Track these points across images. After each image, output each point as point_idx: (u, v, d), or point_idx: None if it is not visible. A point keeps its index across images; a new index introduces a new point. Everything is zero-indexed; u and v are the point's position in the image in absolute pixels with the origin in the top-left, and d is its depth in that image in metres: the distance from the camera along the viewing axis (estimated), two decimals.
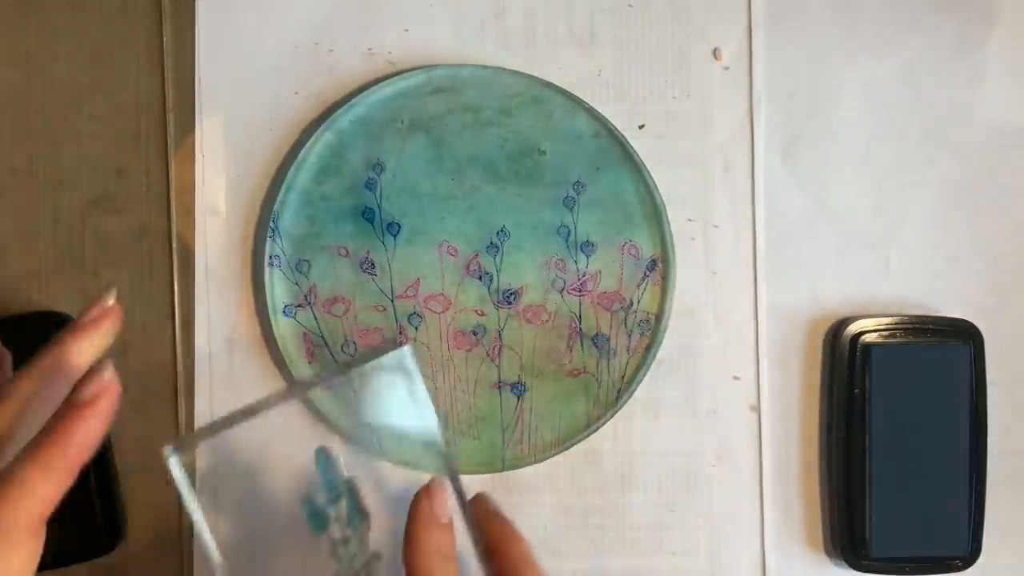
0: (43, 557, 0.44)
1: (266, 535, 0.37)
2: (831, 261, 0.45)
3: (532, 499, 0.45)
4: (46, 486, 0.28)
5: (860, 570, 0.43)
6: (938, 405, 0.43)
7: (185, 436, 0.38)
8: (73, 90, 0.45)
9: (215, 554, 0.33)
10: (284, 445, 0.36)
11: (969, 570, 0.43)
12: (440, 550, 0.32)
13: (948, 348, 0.43)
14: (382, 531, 0.34)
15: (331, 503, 0.35)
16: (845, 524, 0.43)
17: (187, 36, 0.45)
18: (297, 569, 0.35)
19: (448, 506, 0.33)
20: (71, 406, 0.29)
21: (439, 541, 0.32)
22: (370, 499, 0.35)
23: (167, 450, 0.32)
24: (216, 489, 0.40)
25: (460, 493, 0.34)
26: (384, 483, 0.39)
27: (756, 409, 0.45)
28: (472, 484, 0.37)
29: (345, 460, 0.36)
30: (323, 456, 0.36)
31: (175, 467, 0.32)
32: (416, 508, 0.32)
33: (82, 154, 0.45)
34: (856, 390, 0.43)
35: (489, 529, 0.33)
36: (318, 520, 0.35)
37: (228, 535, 0.34)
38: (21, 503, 0.28)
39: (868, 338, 0.43)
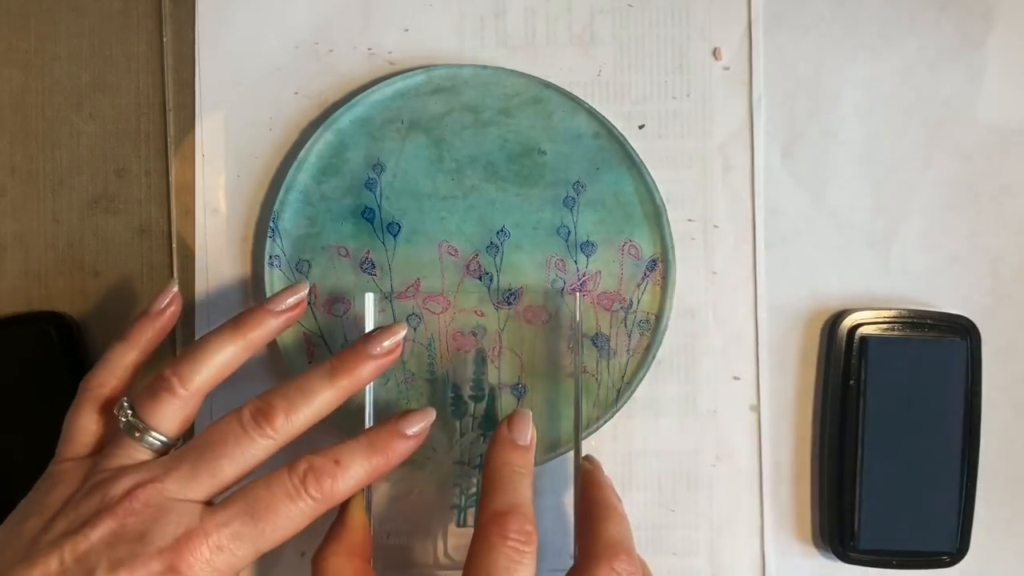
0: None
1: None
2: (831, 261, 0.45)
3: (532, 500, 0.45)
4: (361, 480, 0.35)
5: (848, 562, 0.43)
6: (933, 400, 0.43)
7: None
8: (73, 90, 0.45)
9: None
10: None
11: (956, 567, 0.43)
12: (510, 463, 0.37)
13: (945, 343, 0.43)
14: None
15: (473, 400, 0.43)
16: (835, 515, 0.43)
17: (187, 36, 0.45)
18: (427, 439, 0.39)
19: (527, 433, 0.38)
20: (397, 433, 0.36)
21: (512, 457, 0.37)
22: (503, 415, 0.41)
23: (369, 295, 0.40)
24: None
25: (577, 450, 0.40)
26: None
27: (756, 409, 0.45)
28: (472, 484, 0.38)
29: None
30: (480, 357, 0.43)
31: (369, 303, 0.40)
32: (497, 430, 0.38)
33: (82, 154, 0.45)
34: (851, 381, 0.43)
35: (583, 477, 0.38)
36: (458, 408, 0.43)
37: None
38: (342, 481, 0.35)
39: (865, 330, 0.43)
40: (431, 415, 0.37)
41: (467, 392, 0.43)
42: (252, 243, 0.45)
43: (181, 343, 0.44)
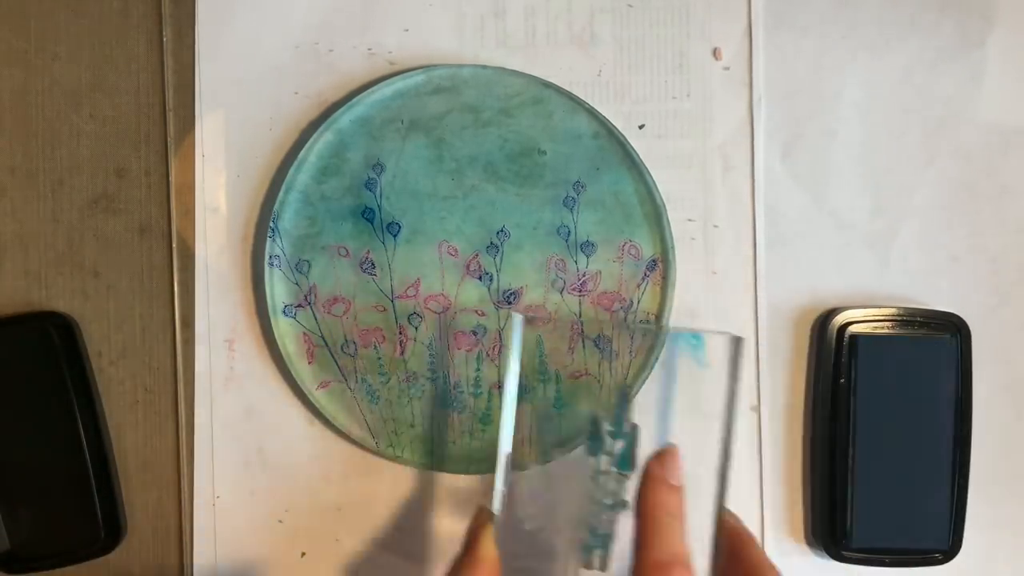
0: (43, 557, 0.45)
1: None
2: (831, 261, 0.45)
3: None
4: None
5: (840, 560, 0.43)
6: (923, 398, 0.43)
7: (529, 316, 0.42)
8: (73, 90, 0.45)
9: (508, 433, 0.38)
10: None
11: (949, 564, 0.43)
12: (664, 506, 0.35)
13: (934, 341, 0.43)
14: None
15: (612, 436, 0.38)
16: (827, 514, 0.43)
17: (187, 36, 0.45)
18: (560, 471, 0.39)
19: (679, 472, 0.36)
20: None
21: (665, 499, 0.36)
22: (644, 455, 0.37)
23: (515, 315, 0.38)
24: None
25: (721, 498, 0.38)
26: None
27: (756, 409, 0.45)
28: (473, 484, 0.37)
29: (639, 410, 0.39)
30: (623, 394, 0.40)
31: (517, 327, 0.38)
32: (648, 468, 0.36)
33: (82, 154, 0.45)
34: (842, 380, 0.43)
35: (733, 535, 0.37)
36: (594, 443, 0.38)
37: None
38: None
39: (855, 328, 0.43)
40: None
41: (605, 427, 0.38)
42: (252, 243, 0.45)
43: (181, 344, 0.44)
